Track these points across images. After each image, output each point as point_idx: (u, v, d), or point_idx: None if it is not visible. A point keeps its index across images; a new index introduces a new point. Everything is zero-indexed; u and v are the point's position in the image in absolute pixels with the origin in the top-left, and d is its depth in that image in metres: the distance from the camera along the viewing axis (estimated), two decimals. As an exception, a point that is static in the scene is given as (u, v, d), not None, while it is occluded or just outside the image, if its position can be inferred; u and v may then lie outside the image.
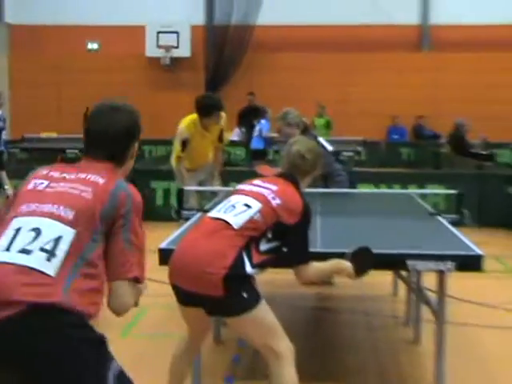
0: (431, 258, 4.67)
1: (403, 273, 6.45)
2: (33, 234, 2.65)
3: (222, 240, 3.91)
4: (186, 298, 4.01)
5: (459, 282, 5.81)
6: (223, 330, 6.15)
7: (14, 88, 21.02)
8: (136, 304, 3.01)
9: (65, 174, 2.89)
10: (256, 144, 16.13)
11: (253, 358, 5.52)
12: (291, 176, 4.30)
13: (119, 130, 3.00)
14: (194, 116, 8.46)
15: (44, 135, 19.10)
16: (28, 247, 2.61)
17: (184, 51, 21.45)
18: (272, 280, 7.59)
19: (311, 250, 4.44)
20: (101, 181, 2.83)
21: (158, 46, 21.38)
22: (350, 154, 16.53)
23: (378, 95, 20.76)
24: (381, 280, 7.55)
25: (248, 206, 4.02)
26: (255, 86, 19.71)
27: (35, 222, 2.70)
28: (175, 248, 4.18)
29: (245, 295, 3.87)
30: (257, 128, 16.78)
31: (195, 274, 3.85)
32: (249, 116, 17.41)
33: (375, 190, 7.90)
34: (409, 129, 21.38)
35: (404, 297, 6.89)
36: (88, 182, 2.83)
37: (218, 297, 3.80)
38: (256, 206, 4.01)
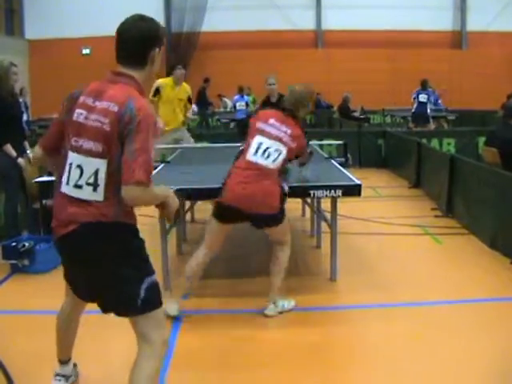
0: (326, 188, 4.65)
1: (308, 200, 6.44)
2: (78, 171, 2.49)
3: (269, 178, 4.04)
4: (235, 215, 4.09)
5: (345, 205, 5.81)
6: (184, 246, 6.06)
7: (33, 83, 20.63)
8: (171, 219, 2.86)
9: (96, 103, 2.50)
10: (239, 115, 15.26)
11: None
12: (291, 111, 4.26)
13: (139, 33, 2.57)
14: (169, 78, 8.07)
15: (55, 115, 18.65)
16: (79, 183, 2.49)
17: (151, 52, 21.14)
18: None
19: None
20: (116, 109, 2.44)
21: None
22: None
23: (289, 79, 20.54)
24: (293, 206, 7.52)
25: (278, 151, 4.07)
26: (201, 75, 19.46)
27: (79, 159, 2.49)
28: (231, 184, 4.07)
29: (284, 209, 4.20)
30: (229, 104, 16.85)
31: (259, 201, 4.00)
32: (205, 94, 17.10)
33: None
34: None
35: (309, 216, 6.87)
36: (107, 112, 2.45)
37: (273, 214, 4.09)
38: (284, 150, 4.09)
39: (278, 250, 4.34)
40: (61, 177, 2.58)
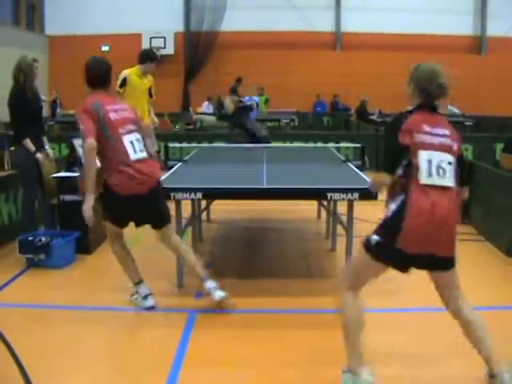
0: (343, 191, 4.64)
1: (324, 202, 6.43)
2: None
3: (454, 203, 3.11)
4: (421, 262, 3.14)
5: (362, 208, 5.78)
6: (199, 245, 6.07)
7: (52, 80, 20.72)
8: None
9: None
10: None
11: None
12: (435, 108, 3.28)
13: None
14: (136, 68, 7.57)
15: (71, 112, 18.78)
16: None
17: (169, 50, 21.21)
18: (229, 209, 7.54)
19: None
20: None
21: (151, 47, 21.19)
22: (287, 120, 16.56)
23: (306, 80, 20.72)
24: (308, 208, 7.53)
25: (450, 163, 3.12)
26: (219, 74, 19.53)
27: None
28: (413, 219, 3.00)
29: None
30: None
31: (447, 238, 3.10)
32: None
33: (305, 145, 7.81)
34: (328, 104, 21.28)
35: (325, 219, 6.85)
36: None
37: (453, 255, 3.16)
38: (453, 160, 3.13)
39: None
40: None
